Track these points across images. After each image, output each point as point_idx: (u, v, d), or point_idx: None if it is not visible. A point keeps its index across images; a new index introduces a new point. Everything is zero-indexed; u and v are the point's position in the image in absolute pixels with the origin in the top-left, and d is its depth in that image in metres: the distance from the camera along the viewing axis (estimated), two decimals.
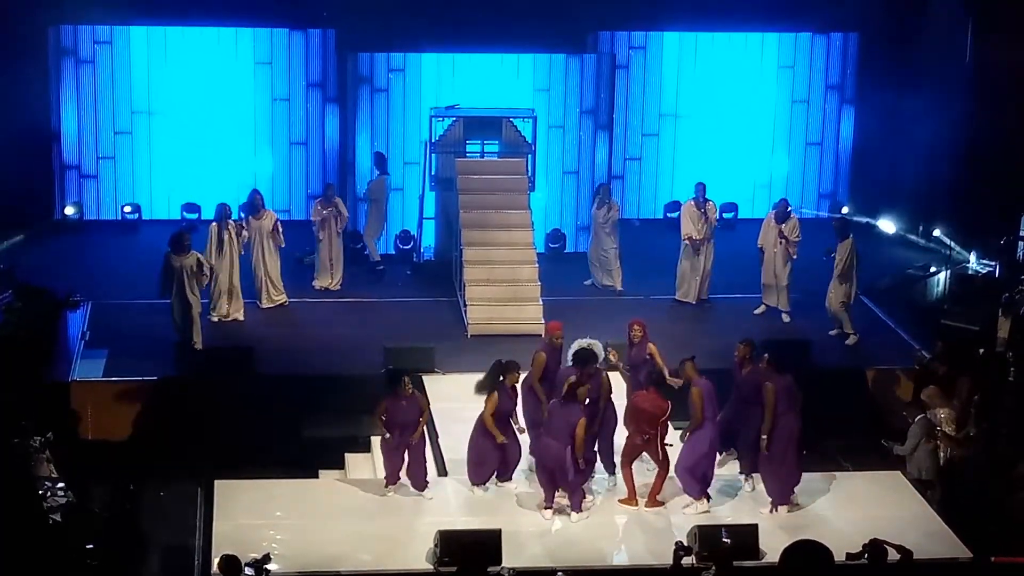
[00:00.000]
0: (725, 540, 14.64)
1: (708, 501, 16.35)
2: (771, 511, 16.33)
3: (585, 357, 16.36)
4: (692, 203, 22.31)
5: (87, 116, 25.18)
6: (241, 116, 25.56)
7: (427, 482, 16.54)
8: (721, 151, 26.38)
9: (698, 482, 16.27)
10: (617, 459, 16.67)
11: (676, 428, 16.79)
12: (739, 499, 16.64)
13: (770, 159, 26.67)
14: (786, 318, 21.74)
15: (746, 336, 17.50)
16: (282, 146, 25.72)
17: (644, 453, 16.49)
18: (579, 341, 16.67)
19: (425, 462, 16.63)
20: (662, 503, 16.37)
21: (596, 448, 16.54)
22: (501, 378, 16.41)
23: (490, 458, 16.50)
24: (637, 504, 16.40)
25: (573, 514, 16.04)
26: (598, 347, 16.65)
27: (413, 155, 24.45)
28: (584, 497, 16.15)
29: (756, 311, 21.96)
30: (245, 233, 21.30)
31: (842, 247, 20.90)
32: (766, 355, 16.83)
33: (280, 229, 21.66)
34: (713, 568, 14.00)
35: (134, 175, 25.49)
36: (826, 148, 26.88)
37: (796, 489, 16.56)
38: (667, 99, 26.22)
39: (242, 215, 21.62)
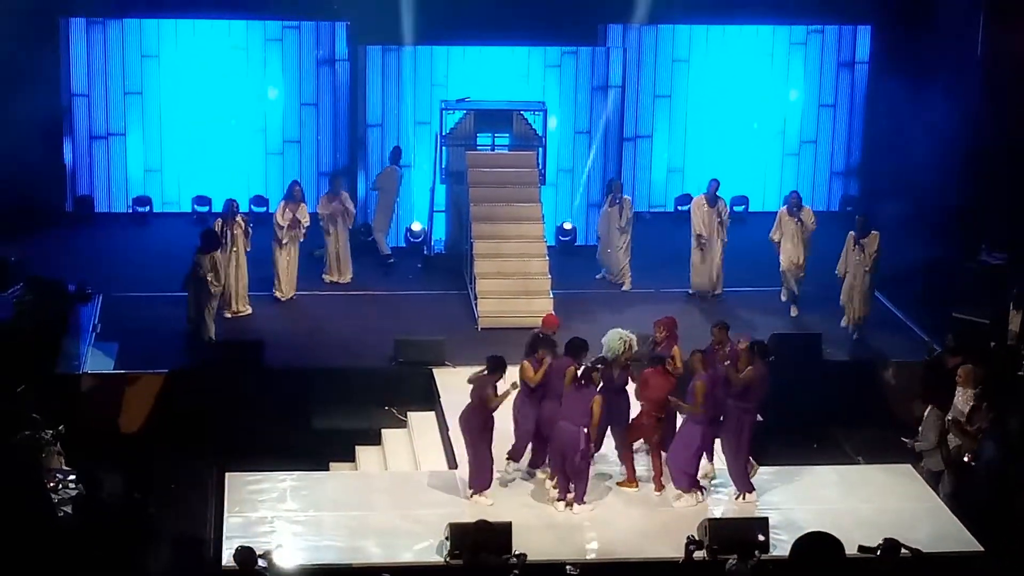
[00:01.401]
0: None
1: (702, 493, 16.37)
2: (738, 498, 16.38)
3: (578, 346, 16.45)
4: (703, 198, 22.33)
5: (97, 82, 25.09)
6: (252, 94, 25.53)
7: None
8: (733, 132, 26.30)
9: (686, 475, 16.28)
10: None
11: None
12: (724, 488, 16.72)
13: (784, 129, 26.57)
14: (794, 312, 21.71)
15: (751, 330, 17.54)
16: (292, 116, 25.62)
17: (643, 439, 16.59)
18: (615, 331, 16.76)
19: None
20: (663, 486, 16.44)
21: (607, 434, 16.63)
22: (535, 352, 16.49)
23: (524, 434, 16.56)
24: (637, 486, 16.42)
25: (575, 505, 16.04)
26: (633, 339, 16.72)
27: (424, 115, 24.45)
28: (586, 489, 16.14)
29: (783, 298, 21.96)
30: (260, 228, 21.35)
31: (872, 239, 20.84)
32: (751, 342, 16.80)
33: (304, 224, 21.64)
34: (735, 558, 14.00)
35: (145, 156, 25.43)
36: (839, 115, 26.77)
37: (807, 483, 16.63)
38: (680, 54, 26.15)
39: (248, 211, 21.67)
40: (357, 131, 24.80)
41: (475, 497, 16.15)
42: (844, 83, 26.52)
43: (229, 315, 20.94)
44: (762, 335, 18.64)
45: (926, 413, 17.03)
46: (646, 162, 26.22)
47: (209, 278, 19.92)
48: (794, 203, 21.76)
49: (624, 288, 22.65)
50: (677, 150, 26.28)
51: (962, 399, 17.09)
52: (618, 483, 16.57)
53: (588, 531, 15.79)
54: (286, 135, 25.52)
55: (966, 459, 16.74)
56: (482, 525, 14.59)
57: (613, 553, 15.43)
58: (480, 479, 16.18)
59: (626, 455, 16.58)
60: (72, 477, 16.02)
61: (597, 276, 23.08)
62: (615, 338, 16.67)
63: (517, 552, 14.37)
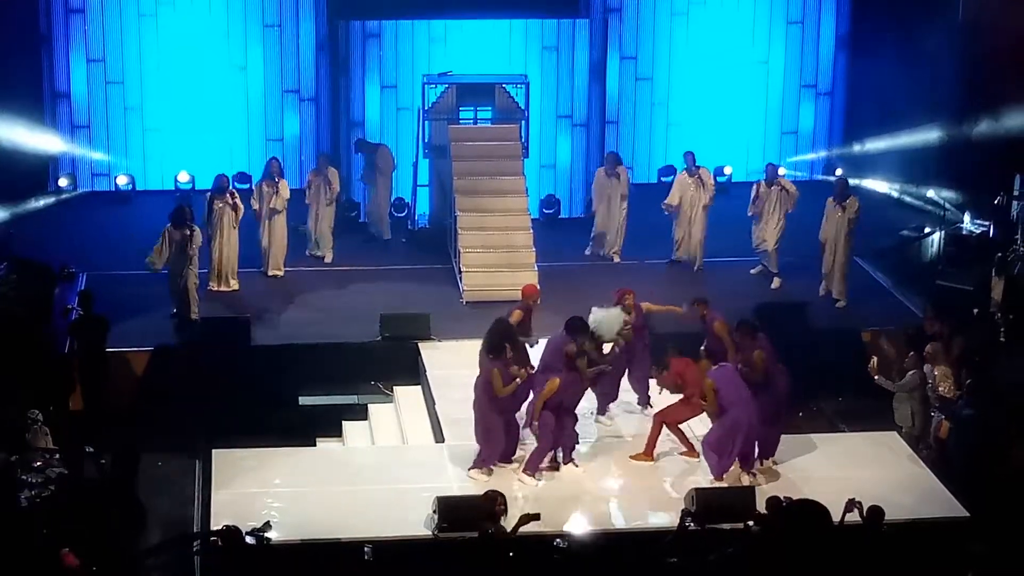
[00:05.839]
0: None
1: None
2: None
3: (576, 327, 16.31)
4: (685, 173, 22.39)
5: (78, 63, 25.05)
6: (234, 74, 25.45)
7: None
8: (716, 103, 26.26)
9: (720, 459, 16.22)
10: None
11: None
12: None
13: (764, 108, 26.57)
14: (775, 283, 21.71)
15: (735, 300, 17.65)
16: (274, 101, 25.60)
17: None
18: (596, 311, 16.79)
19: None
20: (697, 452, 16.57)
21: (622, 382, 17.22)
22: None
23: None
24: (653, 460, 16.50)
25: (524, 476, 16.02)
26: (615, 318, 16.78)
27: (405, 90, 24.51)
28: (545, 463, 16.16)
29: (753, 271, 21.97)
30: (247, 204, 21.28)
31: (852, 202, 20.90)
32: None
33: (279, 196, 21.53)
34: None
35: (126, 138, 25.37)
36: (820, 98, 26.81)
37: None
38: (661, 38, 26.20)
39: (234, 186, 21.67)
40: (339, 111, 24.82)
41: (472, 472, 16.12)
42: (825, 59, 26.52)
43: (215, 288, 20.91)
44: (746, 305, 18.64)
45: (909, 374, 17.13)
46: (629, 136, 26.20)
47: (189, 251, 19.84)
48: (770, 175, 21.84)
49: (615, 260, 22.67)
50: (659, 122, 26.24)
51: (939, 374, 17.12)
52: (631, 456, 16.56)
53: (577, 503, 15.74)
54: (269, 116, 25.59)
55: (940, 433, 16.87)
56: (470, 499, 14.62)
57: (602, 524, 15.38)
58: (488, 453, 16.12)
59: (655, 433, 16.52)
60: (58, 457, 16.00)
61: (587, 252, 23.03)
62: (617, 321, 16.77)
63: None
